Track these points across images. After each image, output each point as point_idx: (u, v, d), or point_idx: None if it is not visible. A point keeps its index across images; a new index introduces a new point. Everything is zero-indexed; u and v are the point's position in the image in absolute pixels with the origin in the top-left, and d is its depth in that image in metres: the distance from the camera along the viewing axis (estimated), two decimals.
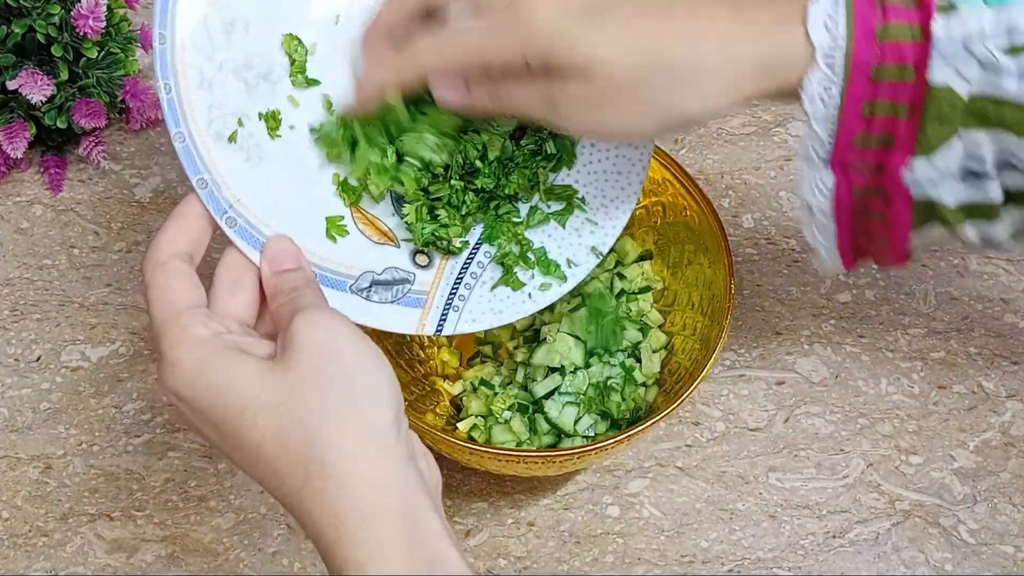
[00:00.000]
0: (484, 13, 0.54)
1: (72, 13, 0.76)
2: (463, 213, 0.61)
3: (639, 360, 0.69)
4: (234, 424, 0.49)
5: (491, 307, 0.61)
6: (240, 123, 0.57)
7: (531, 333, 0.70)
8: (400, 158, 0.60)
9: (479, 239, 0.62)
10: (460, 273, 0.61)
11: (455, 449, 0.61)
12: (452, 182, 0.60)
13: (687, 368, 0.67)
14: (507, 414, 0.67)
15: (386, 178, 0.60)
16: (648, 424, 0.60)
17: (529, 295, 0.62)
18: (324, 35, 0.60)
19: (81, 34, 0.76)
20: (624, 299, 0.70)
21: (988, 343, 0.75)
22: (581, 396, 0.66)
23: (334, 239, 0.59)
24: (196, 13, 0.56)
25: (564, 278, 0.62)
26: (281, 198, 0.57)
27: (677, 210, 0.70)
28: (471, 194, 0.61)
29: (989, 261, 0.78)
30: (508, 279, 0.61)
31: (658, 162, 0.69)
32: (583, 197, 0.63)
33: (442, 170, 0.60)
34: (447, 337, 0.71)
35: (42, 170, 0.81)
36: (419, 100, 0.59)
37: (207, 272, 0.54)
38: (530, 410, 0.67)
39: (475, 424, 0.67)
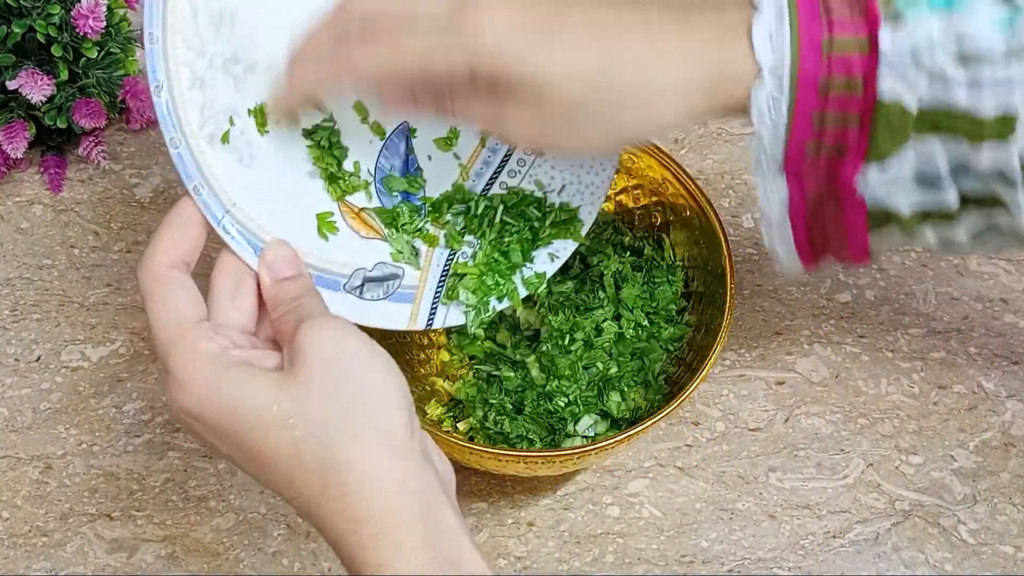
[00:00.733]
0: (425, 26, 0.52)
1: (72, 13, 0.76)
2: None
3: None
4: (248, 438, 0.49)
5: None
6: (231, 121, 0.57)
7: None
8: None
9: (462, 227, 0.62)
10: (446, 265, 0.61)
11: (455, 449, 0.61)
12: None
13: (687, 368, 0.67)
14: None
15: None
16: (648, 424, 0.60)
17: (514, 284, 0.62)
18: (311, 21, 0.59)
19: (81, 34, 0.76)
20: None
21: (988, 343, 0.75)
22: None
23: (326, 237, 0.59)
24: (185, 8, 0.55)
25: (545, 269, 0.63)
26: (274, 198, 0.57)
27: (677, 210, 0.70)
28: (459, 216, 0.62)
29: (989, 261, 0.78)
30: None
31: (658, 162, 0.69)
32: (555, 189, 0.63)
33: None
34: (447, 338, 0.71)
35: (42, 170, 0.81)
36: None
37: (197, 272, 0.54)
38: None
39: (475, 424, 0.67)
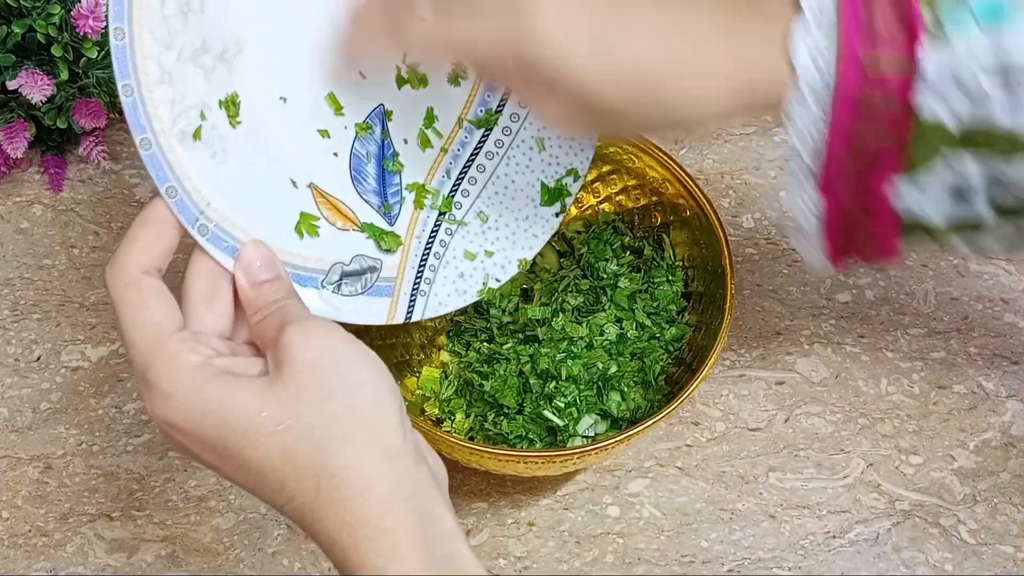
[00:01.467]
0: (477, 11, 0.52)
1: (72, 13, 0.76)
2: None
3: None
4: (236, 448, 0.48)
5: (455, 288, 0.61)
6: (203, 116, 0.55)
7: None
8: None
9: (439, 211, 0.62)
10: (424, 255, 0.61)
11: (455, 449, 0.61)
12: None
13: (687, 368, 0.67)
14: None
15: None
16: (648, 424, 0.60)
17: (487, 273, 0.63)
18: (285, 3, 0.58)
19: (81, 34, 0.76)
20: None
21: (988, 343, 0.75)
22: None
23: (302, 235, 0.58)
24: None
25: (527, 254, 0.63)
26: (248, 195, 0.56)
27: (677, 210, 0.70)
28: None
29: (989, 261, 0.78)
30: (469, 254, 0.62)
31: (658, 162, 0.69)
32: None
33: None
34: (447, 337, 0.71)
35: (42, 170, 0.81)
36: None
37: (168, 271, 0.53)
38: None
39: (475, 424, 0.67)
